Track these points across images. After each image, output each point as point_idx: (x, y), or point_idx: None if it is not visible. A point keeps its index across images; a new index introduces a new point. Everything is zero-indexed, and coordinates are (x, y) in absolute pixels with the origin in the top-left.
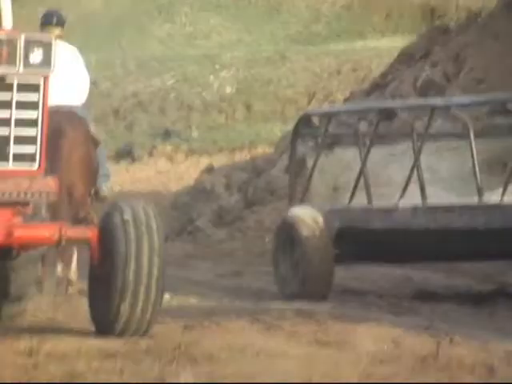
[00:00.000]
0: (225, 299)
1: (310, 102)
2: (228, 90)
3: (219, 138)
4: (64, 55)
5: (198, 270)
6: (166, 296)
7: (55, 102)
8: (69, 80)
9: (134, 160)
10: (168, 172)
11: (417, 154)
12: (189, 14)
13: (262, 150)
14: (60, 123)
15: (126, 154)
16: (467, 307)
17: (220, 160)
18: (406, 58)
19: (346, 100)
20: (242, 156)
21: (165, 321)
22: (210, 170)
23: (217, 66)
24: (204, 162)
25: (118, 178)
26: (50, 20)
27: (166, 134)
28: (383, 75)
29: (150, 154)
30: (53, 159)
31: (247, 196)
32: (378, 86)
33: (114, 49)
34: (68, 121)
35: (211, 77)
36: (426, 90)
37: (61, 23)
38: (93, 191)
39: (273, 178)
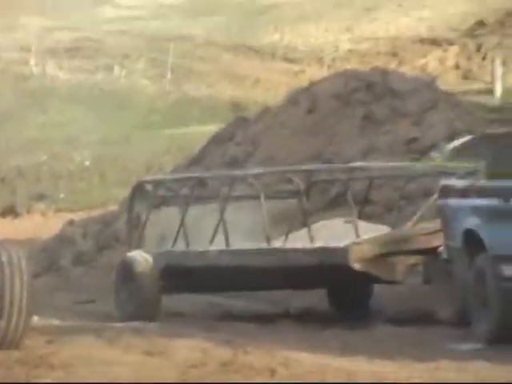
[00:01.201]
0: (79, 320)
1: (148, 173)
2: (87, 163)
3: (80, 199)
4: None
5: (60, 298)
6: (35, 318)
7: None
8: None
9: (16, 215)
10: (41, 224)
11: (222, 211)
12: (57, 105)
13: (112, 208)
14: None
15: (9, 211)
16: (259, 325)
17: (80, 215)
18: (217, 139)
19: (171, 171)
20: (96, 212)
21: (32, 336)
22: (71, 222)
23: (78, 146)
24: (68, 216)
25: (3, 229)
26: None
27: (40, 197)
28: (200, 153)
29: (28, 211)
30: None
31: (99, 242)
32: (196, 161)
33: (1, 132)
34: None
35: (74, 154)
36: (231, 164)
37: None
38: None
39: (118, 229)
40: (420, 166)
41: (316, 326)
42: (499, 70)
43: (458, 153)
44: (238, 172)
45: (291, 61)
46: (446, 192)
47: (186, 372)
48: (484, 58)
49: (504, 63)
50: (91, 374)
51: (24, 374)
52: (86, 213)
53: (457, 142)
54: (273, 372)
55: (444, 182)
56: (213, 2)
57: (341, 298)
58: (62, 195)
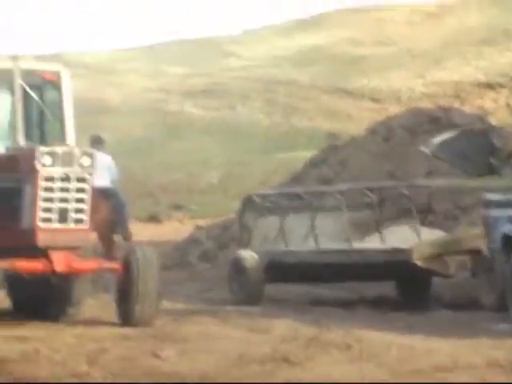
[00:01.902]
0: (199, 304)
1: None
2: (214, 180)
3: (207, 209)
4: (102, 160)
5: (188, 288)
6: (164, 302)
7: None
8: (104, 173)
9: (158, 222)
10: (177, 229)
11: (313, 219)
12: (192, 135)
13: (231, 216)
14: (99, 197)
15: (153, 218)
16: (340, 309)
17: (207, 222)
18: (313, 162)
19: (276, 187)
20: (219, 219)
21: (162, 317)
22: (198, 227)
23: (208, 167)
24: (198, 223)
25: (148, 232)
26: (95, 140)
27: (178, 207)
28: (300, 173)
29: (168, 219)
30: (96, 221)
31: (219, 242)
32: (297, 179)
33: (149, 156)
34: (104, 196)
35: (204, 173)
36: (324, 182)
37: (101, 142)
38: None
39: (234, 232)
40: (472, 182)
41: (385, 310)
42: None
43: (443, 147)
44: (326, 188)
45: (376, 100)
46: (489, 204)
47: (278, 346)
48: None
49: None
50: (205, 346)
51: (152, 346)
52: (212, 220)
53: (443, 137)
54: (349, 347)
55: (487, 195)
56: (315, 54)
57: (406, 288)
58: (194, 206)
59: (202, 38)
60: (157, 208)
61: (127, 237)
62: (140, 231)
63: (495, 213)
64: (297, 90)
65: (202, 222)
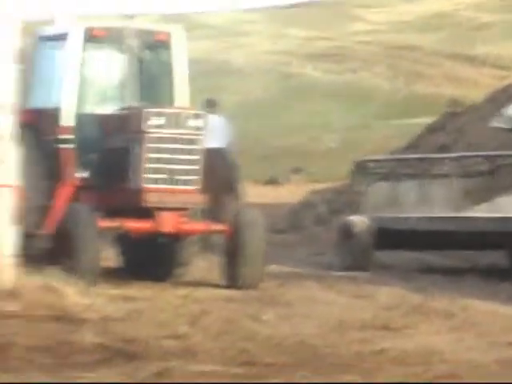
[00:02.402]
0: (308, 268)
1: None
2: (333, 144)
3: (326, 173)
4: (214, 121)
5: (299, 251)
6: (273, 265)
7: (211, 145)
8: (216, 135)
9: (277, 185)
10: (295, 192)
11: (425, 186)
12: (313, 98)
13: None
14: (213, 159)
15: (271, 181)
16: (449, 277)
17: (323, 186)
18: (430, 129)
19: (390, 153)
20: (336, 184)
21: (269, 280)
22: (314, 191)
23: (328, 131)
24: (316, 186)
25: (266, 195)
26: (208, 103)
27: (296, 170)
28: (417, 139)
29: (286, 182)
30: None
31: (333, 207)
32: (413, 146)
33: (268, 118)
34: (217, 157)
35: (324, 137)
36: (441, 149)
37: (214, 105)
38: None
39: (348, 197)
40: None
41: (496, 280)
42: None
43: None
44: (438, 155)
45: (500, 67)
46: None
47: (380, 313)
48: None
49: None
50: (307, 311)
51: (255, 308)
52: (329, 184)
53: None
54: (452, 316)
55: None
56: (439, 20)
57: None
58: (313, 169)
59: (328, 0)
60: (276, 171)
61: (239, 199)
62: (258, 194)
63: None
64: (420, 55)
65: (319, 186)
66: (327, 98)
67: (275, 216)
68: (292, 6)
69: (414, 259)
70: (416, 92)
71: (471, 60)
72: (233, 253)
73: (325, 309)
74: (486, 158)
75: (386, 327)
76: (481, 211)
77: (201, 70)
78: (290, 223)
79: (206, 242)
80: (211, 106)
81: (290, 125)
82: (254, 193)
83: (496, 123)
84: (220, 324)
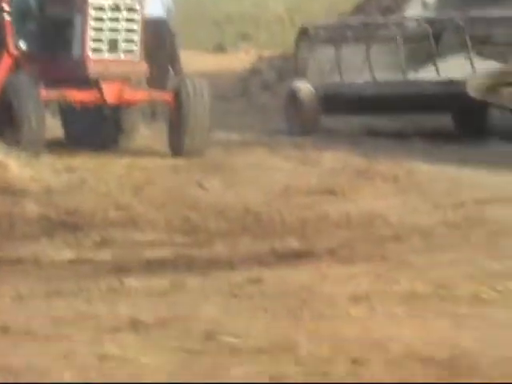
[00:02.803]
0: (255, 135)
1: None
2: (280, 11)
3: (275, 41)
4: None
5: (245, 118)
6: (220, 133)
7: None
8: (157, 3)
9: (224, 52)
10: (243, 60)
11: (368, 51)
12: None
13: None
14: (153, 28)
15: (219, 48)
16: (394, 141)
17: (272, 53)
18: None
19: (337, 18)
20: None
21: (216, 148)
22: (262, 58)
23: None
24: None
25: (213, 63)
26: None
27: (244, 37)
28: (362, 4)
29: (234, 50)
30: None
31: (280, 73)
32: (359, 10)
33: None
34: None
35: (271, 3)
36: (385, 12)
37: None
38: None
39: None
40: None
41: (441, 142)
42: None
43: None
44: (381, 19)
45: None
46: None
47: (326, 178)
48: None
49: None
50: (252, 177)
51: (196, 177)
52: (277, 51)
53: None
54: (396, 179)
55: None
56: None
57: (462, 120)
58: (261, 36)
59: None
60: (223, 38)
61: (177, 69)
62: (206, 61)
63: None
64: None
65: (267, 53)
66: None
67: (223, 84)
68: None
69: (361, 124)
70: None
71: None
72: (177, 121)
73: (271, 174)
74: (429, 21)
75: (331, 192)
76: (425, 74)
77: None
78: (238, 91)
79: (152, 111)
80: None
81: None
82: (201, 60)
83: None
84: (163, 193)
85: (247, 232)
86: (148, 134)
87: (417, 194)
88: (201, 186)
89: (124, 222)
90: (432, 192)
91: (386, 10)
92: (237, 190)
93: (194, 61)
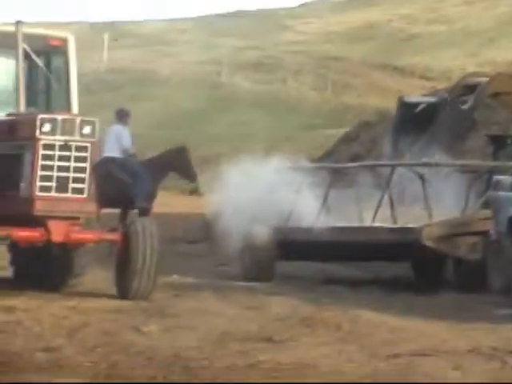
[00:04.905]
0: (209, 279)
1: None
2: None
3: None
4: (116, 130)
5: (205, 261)
6: (175, 276)
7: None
8: (116, 143)
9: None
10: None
11: (325, 196)
12: (241, 108)
13: None
14: (111, 167)
15: (195, 191)
16: (348, 288)
17: None
18: (344, 140)
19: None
20: None
21: (166, 291)
22: None
23: (253, 141)
24: None
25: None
26: (119, 113)
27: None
28: (331, 150)
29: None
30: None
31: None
32: (329, 155)
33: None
34: (116, 166)
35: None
36: (354, 159)
37: (123, 115)
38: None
39: None
40: (484, 164)
41: (395, 290)
42: None
43: None
44: (339, 165)
45: (427, 78)
46: (497, 186)
47: (268, 324)
48: None
49: None
50: (193, 323)
51: (141, 320)
52: None
53: None
54: (339, 327)
55: (496, 177)
56: (369, 31)
57: (419, 269)
58: None
59: (258, 10)
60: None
61: (143, 210)
62: (182, 204)
63: (503, 195)
64: (348, 66)
65: None
66: (255, 109)
67: (189, 226)
68: (223, 15)
69: (319, 270)
70: (344, 102)
71: (400, 71)
72: (125, 263)
73: (212, 320)
74: (388, 167)
75: (269, 339)
76: (380, 222)
77: (125, 80)
78: (202, 233)
79: (109, 251)
80: (122, 115)
81: (216, 135)
82: (176, 202)
83: None
84: (98, 336)
85: (171, 379)
86: (100, 274)
87: (356, 343)
88: (138, 330)
89: (50, 365)
90: (371, 342)
91: (356, 157)
92: (174, 335)
93: (170, 202)
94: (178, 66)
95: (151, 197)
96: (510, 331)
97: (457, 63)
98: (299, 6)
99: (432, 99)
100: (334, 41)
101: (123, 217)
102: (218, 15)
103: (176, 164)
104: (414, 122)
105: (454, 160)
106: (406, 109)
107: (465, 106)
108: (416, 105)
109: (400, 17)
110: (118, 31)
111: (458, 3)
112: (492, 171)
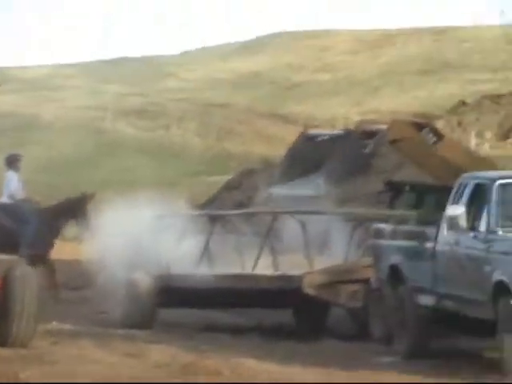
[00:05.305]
0: (89, 326)
1: None
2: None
3: None
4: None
5: (87, 307)
6: (54, 323)
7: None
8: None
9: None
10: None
11: (206, 243)
12: (125, 154)
13: None
14: None
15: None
16: (230, 335)
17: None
18: (227, 187)
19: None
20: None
21: (44, 338)
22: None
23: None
24: None
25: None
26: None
27: None
28: (213, 197)
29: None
30: None
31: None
32: (211, 203)
33: (80, 174)
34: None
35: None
36: (237, 207)
37: (15, 160)
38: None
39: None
40: (367, 212)
41: (277, 338)
42: (473, 141)
43: None
44: (219, 212)
45: (310, 126)
46: (378, 234)
47: (150, 371)
48: (464, 131)
49: (479, 135)
50: (72, 370)
51: (16, 368)
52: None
53: None
54: (219, 374)
55: (376, 225)
56: (254, 78)
57: (302, 316)
58: None
59: (142, 56)
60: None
61: (36, 257)
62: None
63: (383, 243)
64: (232, 113)
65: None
66: (139, 155)
67: (73, 272)
68: (108, 61)
69: (201, 317)
70: (227, 149)
71: (284, 118)
72: (4, 309)
73: (90, 368)
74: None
75: None
76: (262, 269)
77: (8, 125)
78: (84, 280)
79: None
80: (11, 161)
81: (98, 181)
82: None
83: None
84: None
85: None
86: None
87: None
88: (16, 378)
89: None
90: None
91: (238, 204)
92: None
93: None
94: (62, 111)
95: (46, 244)
96: (393, 379)
97: (341, 111)
98: (181, 53)
99: (335, 132)
100: (218, 88)
101: None
102: (102, 61)
103: (74, 212)
104: (314, 152)
105: (336, 207)
106: (307, 141)
107: (366, 150)
108: (318, 136)
109: (285, 65)
110: (1, 76)
111: (343, 52)
112: (372, 219)
